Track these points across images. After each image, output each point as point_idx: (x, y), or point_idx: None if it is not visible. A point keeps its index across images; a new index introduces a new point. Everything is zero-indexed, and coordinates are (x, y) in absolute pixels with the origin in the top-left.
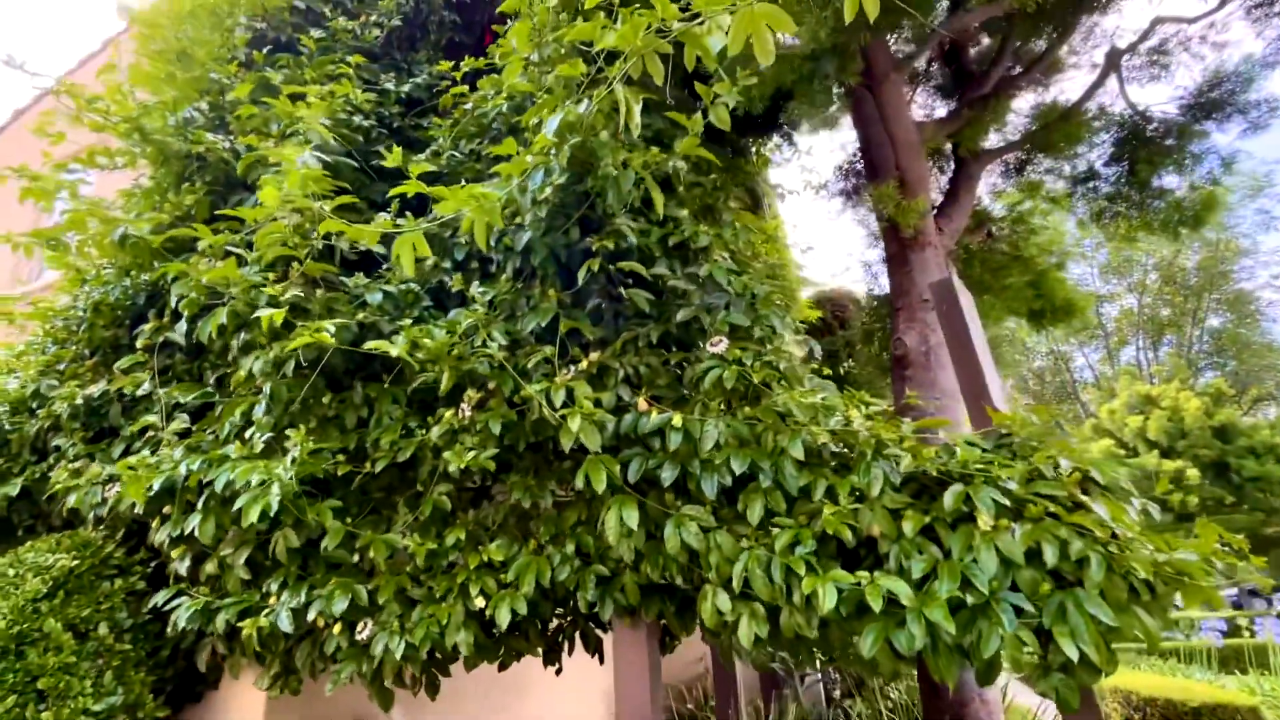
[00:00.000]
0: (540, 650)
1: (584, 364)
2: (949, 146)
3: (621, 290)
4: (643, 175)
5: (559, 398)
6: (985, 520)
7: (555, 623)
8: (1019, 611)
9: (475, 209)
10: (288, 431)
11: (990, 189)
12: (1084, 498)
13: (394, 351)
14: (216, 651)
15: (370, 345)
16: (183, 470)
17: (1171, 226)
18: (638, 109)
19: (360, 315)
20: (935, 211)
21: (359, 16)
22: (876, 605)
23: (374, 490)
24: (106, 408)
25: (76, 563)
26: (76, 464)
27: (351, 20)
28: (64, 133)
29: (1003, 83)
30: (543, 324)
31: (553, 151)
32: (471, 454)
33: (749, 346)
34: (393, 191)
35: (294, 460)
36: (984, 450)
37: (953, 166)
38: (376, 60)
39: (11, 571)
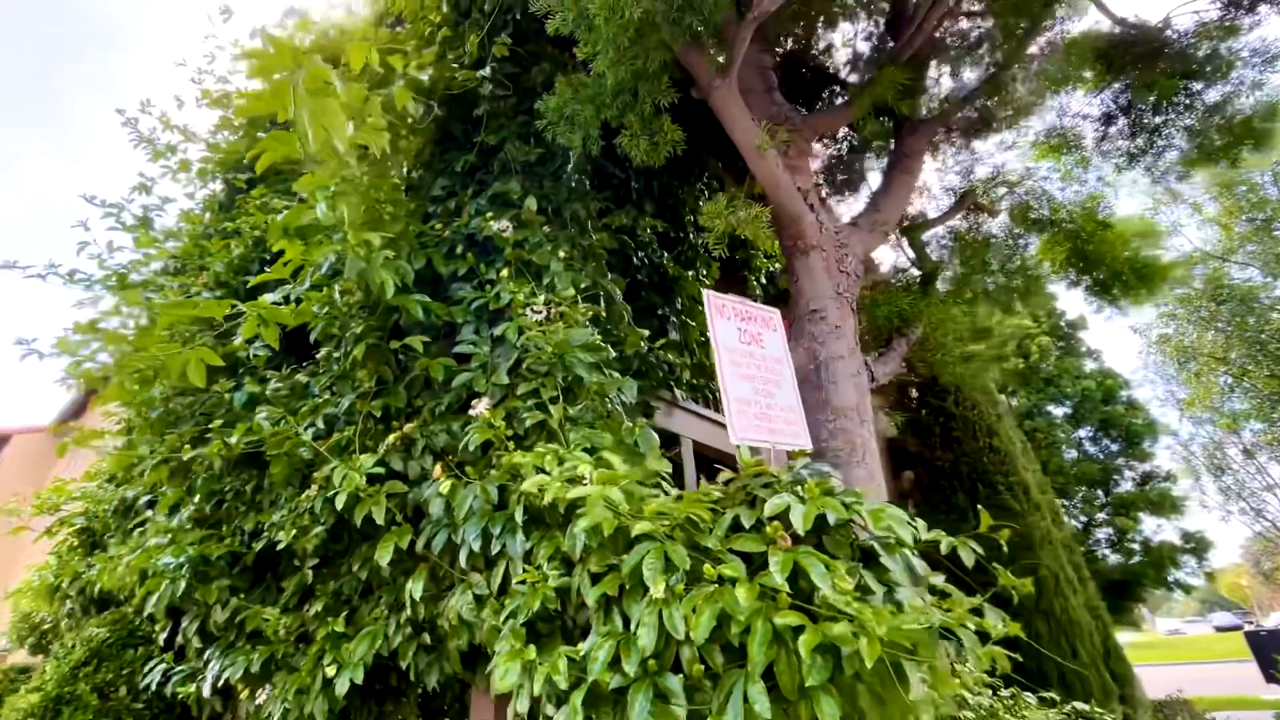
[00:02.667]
0: (416, 716)
1: (392, 437)
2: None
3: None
4: (365, 260)
5: (338, 475)
6: (655, 587)
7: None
8: (666, 697)
9: (251, 318)
10: (148, 523)
11: (984, 156)
12: (781, 551)
13: (204, 451)
14: (214, 709)
15: (215, 441)
16: (124, 561)
17: (1230, 150)
18: (354, 202)
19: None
20: (868, 205)
21: None
22: (538, 687)
23: (275, 567)
24: (137, 504)
25: (108, 634)
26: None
27: None
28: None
29: (915, 36)
30: (346, 405)
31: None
32: (294, 532)
33: (519, 407)
34: (175, 315)
35: (160, 547)
36: (719, 496)
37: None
38: None
39: (70, 643)
